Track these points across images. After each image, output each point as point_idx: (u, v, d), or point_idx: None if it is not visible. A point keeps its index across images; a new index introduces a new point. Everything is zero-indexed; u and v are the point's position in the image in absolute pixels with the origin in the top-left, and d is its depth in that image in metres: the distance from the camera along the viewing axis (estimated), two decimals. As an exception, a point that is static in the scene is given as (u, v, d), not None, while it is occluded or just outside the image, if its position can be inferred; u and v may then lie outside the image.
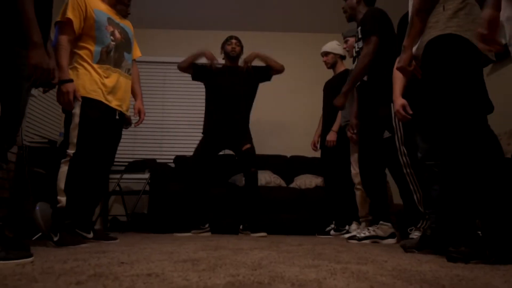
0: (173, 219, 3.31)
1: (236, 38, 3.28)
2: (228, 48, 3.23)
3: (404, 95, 2.07)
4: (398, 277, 0.97)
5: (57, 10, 1.88)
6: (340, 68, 3.37)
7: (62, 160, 2.00)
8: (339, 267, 1.15)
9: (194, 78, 3.31)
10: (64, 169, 1.98)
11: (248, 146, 3.06)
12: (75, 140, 2.01)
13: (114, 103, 2.21)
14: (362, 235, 2.41)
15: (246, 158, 3.03)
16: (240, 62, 3.26)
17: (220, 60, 3.33)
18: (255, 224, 2.99)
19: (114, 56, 2.20)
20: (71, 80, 1.99)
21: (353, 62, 2.71)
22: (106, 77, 2.16)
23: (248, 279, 0.91)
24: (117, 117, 2.26)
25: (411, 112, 1.99)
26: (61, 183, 1.96)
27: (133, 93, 2.49)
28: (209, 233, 3.09)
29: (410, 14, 1.73)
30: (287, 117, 4.62)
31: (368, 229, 2.45)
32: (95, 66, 2.12)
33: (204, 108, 3.27)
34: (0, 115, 1.34)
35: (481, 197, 1.37)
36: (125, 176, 3.96)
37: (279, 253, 1.58)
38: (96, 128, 2.11)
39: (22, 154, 2.77)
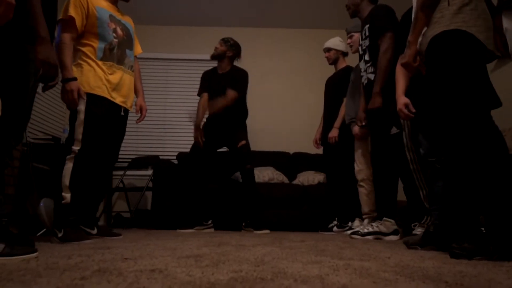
0: (176, 216, 3.32)
1: (223, 39, 3.25)
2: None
3: (407, 93, 2.06)
4: (400, 273, 0.97)
5: (59, 8, 1.87)
6: (342, 64, 3.37)
7: (67, 157, 2.00)
8: (341, 263, 1.15)
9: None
10: (69, 165, 1.98)
11: (243, 143, 3.07)
12: (80, 137, 2.02)
13: (118, 100, 2.21)
14: (365, 230, 2.42)
15: (241, 155, 3.05)
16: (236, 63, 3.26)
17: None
18: (257, 221, 3.00)
19: (117, 53, 2.20)
20: (74, 79, 1.99)
21: (360, 60, 2.70)
22: (111, 74, 2.16)
23: (251, 275, 0.91)
24: (122, 113, 2.26)
25: (414, 110, 1.98)
26: (66, 180, 1.97)
27: (135, 90, 2.48)
28: (212, 230, 3.11)
29: (414, 9, 1.72)
30: (290, 114, 4.61)
31: (372, 225, 2.45)
32: (99, 62, 2.12)
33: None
34: (8, 112, 1.34)
35: (484, 193, 1.37)
36: (128, 172, 3.98)
37: (282, 249, 1.58)
38: (101, 124, 2.11)
39: (26, 151, 2.79)
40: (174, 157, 4.08)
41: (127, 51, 2.29)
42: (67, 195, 1.96)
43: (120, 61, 2.22)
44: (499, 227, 1.32)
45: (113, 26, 2.20)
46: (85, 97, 2.04)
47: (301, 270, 1.00)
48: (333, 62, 3.39)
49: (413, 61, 1.66)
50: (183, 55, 4.70)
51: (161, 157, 4.01)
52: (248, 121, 3.28)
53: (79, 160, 2.00)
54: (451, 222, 1.63)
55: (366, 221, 2.85)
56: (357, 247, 1.77)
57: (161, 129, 4.57)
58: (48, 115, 3.77)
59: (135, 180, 4.15)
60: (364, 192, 2.86)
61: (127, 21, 2.35)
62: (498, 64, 3.22)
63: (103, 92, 2.12)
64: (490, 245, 1.30)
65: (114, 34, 2.19)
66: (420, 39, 1.65)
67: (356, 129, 2.87)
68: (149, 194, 3.92)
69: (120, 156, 2.54)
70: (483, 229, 1.40)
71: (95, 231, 2.23)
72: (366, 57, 2.56)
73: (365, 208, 2.87)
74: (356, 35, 3.01)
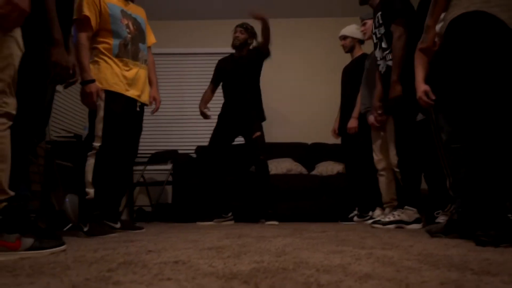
0: (196, 208, 3.37)
1: (242, 26, 3.21)
2: (233, 37, 3.22)
3: (427, 79, 2.01)
4: (424, 262, 0.95)
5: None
6: (358, 52, 3.31)
7: (89, 153, 2.05)
8: (363, 252, 1.15)
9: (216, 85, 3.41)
10: (91, 161, 2.03)
11: (258, 134, 3.07)
12: (100, 133, 2.06)
13: (134, 94, 2.24)
14: (387, 219, 2.39)
15: (256, 146, 3.05)
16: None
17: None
18: (268, 212, 3.01)
19: (131, 49, 2.22)
20: (93, 81, 2.03)
21: (374, 48, 2.64)
22: (127, 70, 2.19)
23: (273, 265, 0.92)
24: (137, 109, 2.29)
25: (433, 97, 1.93)
26: (89, 176, 2.02)
27: (149, 81, 2.45)
28: (232, 222, 3.13)
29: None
30: (307, 104, 4.57)
31: (393, 214, 2.42)
32: (115, 59, 2.15)
33: (223, 97, 3.31)
34: (28, 110, 1.38)
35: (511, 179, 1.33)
36: (148, 167, 4.05)
37: (303, 240, 1.58)
38: (120, 120, 2.15)
39: (49, 149, 2.87)
40: (193, 151, 4.12)
41: (140, 45, 2.30)
42: (91, 191, 2.01)
43: (135, 56, 2.24)
44: (526, 214, 1.28)
45: (126, 21, 2.21)
46: (103, 97, 2.07)
47: (323, 260, 1.00)
48: (349, 50, 3.33)
49: (432, 45, 1.61)
50: (197, 49, 4.70)
51: (179, 151, 4.05)
52: (265, 113, 3.27)
53: (100, 156, 2.04)
54: (475, 210, 1.59)
55: (387, 210, 2.81)
56: (378, 236, 1.76)
57: (179, 123, 4.61)
58: (69, 113, 3.86)
59: (155, 175, 4.22)
60: (384, 181, 2.83)
61: (138, 13, 2.35)
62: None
63: (120, 88, 2.15)
64: (517, 232, 1.26)
65: (127, 30, 2.21)
66: (439, 24, 1.60)
67: (371, 118, 2.82)
68: (169, 188, 3.98)
69: (140, 152, 2.58)
70: (510, 215, 1.36)
71: (118, 225, 2.28)
72: (384, 45, 2.51)
73: (385, 197, 2.83)
74: (370, 22, 2.94)
